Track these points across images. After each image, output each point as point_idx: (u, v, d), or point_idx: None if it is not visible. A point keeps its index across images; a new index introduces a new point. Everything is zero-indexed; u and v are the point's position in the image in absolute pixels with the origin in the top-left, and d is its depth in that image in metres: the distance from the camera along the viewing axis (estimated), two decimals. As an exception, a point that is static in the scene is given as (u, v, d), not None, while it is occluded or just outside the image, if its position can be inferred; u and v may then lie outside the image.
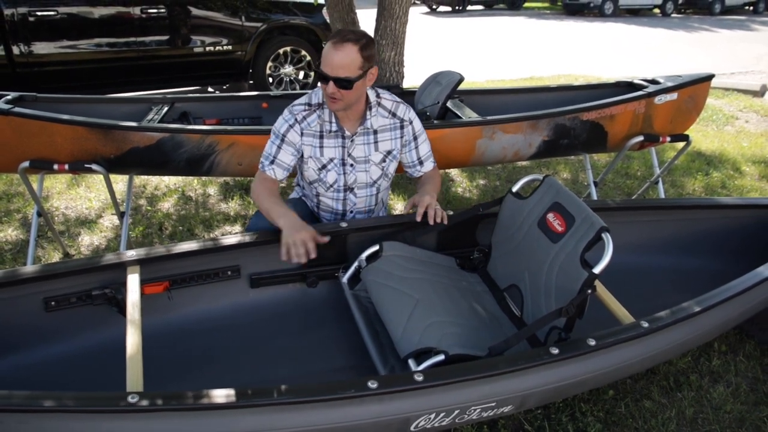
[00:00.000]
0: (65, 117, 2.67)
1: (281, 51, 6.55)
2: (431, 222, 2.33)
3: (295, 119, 2.34)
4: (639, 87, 3.50)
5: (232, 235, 2.27)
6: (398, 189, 4.21)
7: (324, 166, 2.38)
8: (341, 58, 2.13)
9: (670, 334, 2.07)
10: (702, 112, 6.48)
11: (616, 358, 2.00)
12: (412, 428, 1.82)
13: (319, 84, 2.25)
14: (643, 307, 2.52)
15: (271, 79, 6.62)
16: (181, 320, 2.27)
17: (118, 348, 2.08)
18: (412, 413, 1.76)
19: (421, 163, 2.53)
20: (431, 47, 11.08)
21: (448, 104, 3.33)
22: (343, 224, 2.37)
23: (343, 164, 2.40)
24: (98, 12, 5.51)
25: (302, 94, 3.59)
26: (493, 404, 1.87)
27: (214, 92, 7.25)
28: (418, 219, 2.34)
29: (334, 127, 2.34)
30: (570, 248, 2.07)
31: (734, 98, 7.32)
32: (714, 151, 5.32)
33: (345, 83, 2.15)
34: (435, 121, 3.07)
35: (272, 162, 2.36)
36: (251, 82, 6.63)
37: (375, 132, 2.40)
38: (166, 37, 5.90)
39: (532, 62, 9.97)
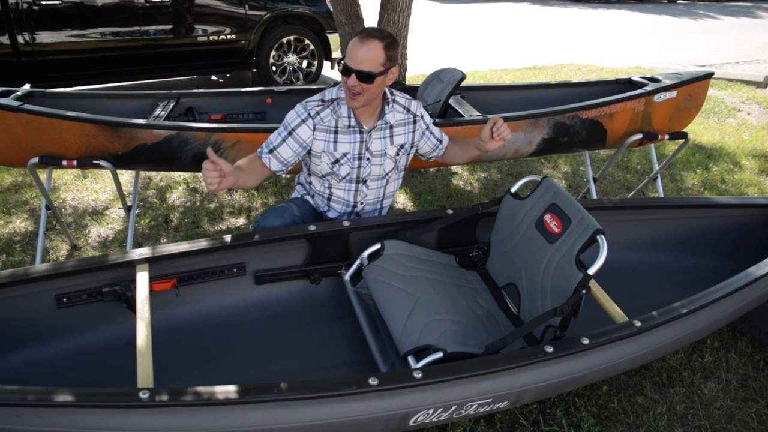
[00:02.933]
0: (73, 114, 2.72)
1: (285, 40, 6.57)
2: (497, 136, 2.44)
3: (308, 114, 2.39)
4: (639, 85, 3.54)
5: (237, 234, 2.33)
6: (403, 183, 4.25)
7: (337, 161, 2.45)
8: (365, 53, 2.22)
9: (663, 332, 2.13)
10: (704, 104, 6.51)
11: (609, 357, 2.07)
12: (411, 423, 1.89)
13: (340, 77, 2.31)
14: (639, 304, 2.59)
15: (274, 68, 6.64)
16: (189, 316, 2.34)
17: (128, 343, 2.15)
18: (411, 409, 1.84)
19: (440, 141, 2.68)
20: (434, 35, 11.06)
21: (450, 101, 3.37)
22: (346, 223, 2.43)
23: (360, 158, 2.46)
24: (102, 1, 5.53)
25: (306, 89, 3.67)
26: (490, 400, 1.94)
27: (218, 79, 7.28)
28: (488, 132, 2.45)
29: (353, 122, 2.41)
30: (566, 249, 2.13)
31: (737, 89, 7.32)
32: (715, 144, 5.35)
33: (366, 77, 2.23)
34: (437, 120, 3.11)
35: (270, 152, 2.40)
36: (254, 70, 6.65)
37: (391, 126, 2.49)
38: (169, 26, 5.92)
39: (535, 50, 9.95)
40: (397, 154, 2.54)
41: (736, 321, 2.75)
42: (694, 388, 2.48)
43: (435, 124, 3.00)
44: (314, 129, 2.40)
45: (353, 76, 2.22)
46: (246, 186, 2.34)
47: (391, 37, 2.27)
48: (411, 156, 2.64)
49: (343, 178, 2.49)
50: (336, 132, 2.42)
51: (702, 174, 4.65)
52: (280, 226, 2.44)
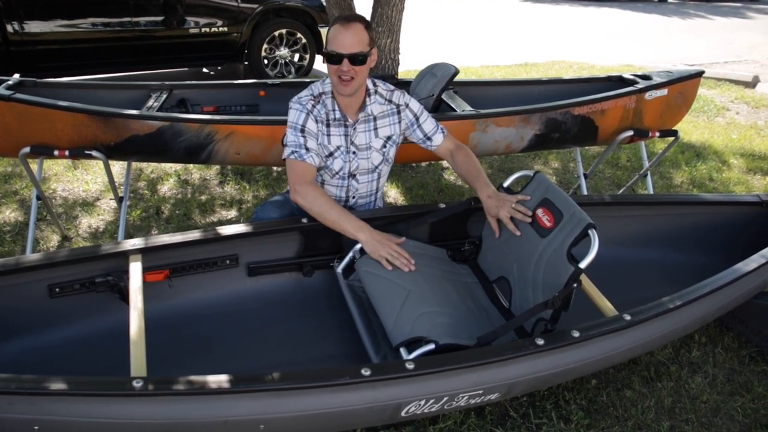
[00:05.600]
0: (66, 104, 2.71)
1: (277, 33, 6.55)
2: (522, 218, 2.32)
3: (307, 109, 2.38)
4: (630, 82, 3.56)
5: (230, 225, 2.33)
6: (394, 177, 4.27)
7: (331, 154, 2.45)
8: (353, 35, 2.22)
9: (652, 326, 2.16)
10: (694, 103, 6.57)
11: (599, 350, 2.09)
12: (403, 414, 1.91)
13: (326, 68, 2.30)
14: (628, 299, 2.61)
15: (266, 61, 6.63)
16: (181, 307, 2.34)
17: (121, 333, 2.15)
18: (403, 400, 1.85)
19: (429, 138, 2.60)
20: (426, 31, 11.06)
21: (443, 96, 3.38)
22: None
23: (347, 152, 2.46)
24: (92, -9, 5.50)
25: (300, 82, 3.67)
26: (481, 392, 1.96)
27: (209, 72, 7.25)
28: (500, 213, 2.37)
29: (338, 115, 2.41)
30: (557, 243, 2.15)
31: (726, 89, 7.38)
32: (703, 143, 5.40)
33: (360, 58, 2.23)
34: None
35: (308, 150, 2.34)
36: (246, 63, 6.63)
37: (375, 119, 2.48)
38: (161, 18, 5.88)
39: (526, 47, 9.98)
40: (384, 146, 2.53)
41: (723, 317, 2.78)
42: (682, 382, 2.51)
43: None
44: (316, 122, 2.40)
45: (345, 61, 2.22)
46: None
47: (365, 19, 2.30)
48: (398, 145, 2.63)
49: (336, 173, 2.49)
50: (328, 125, 2.42)
51: (690, 172, 4.69)
52: (279, 217, 2.44)
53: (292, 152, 2.33)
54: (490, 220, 2.43)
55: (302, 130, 2.35)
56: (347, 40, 2.22)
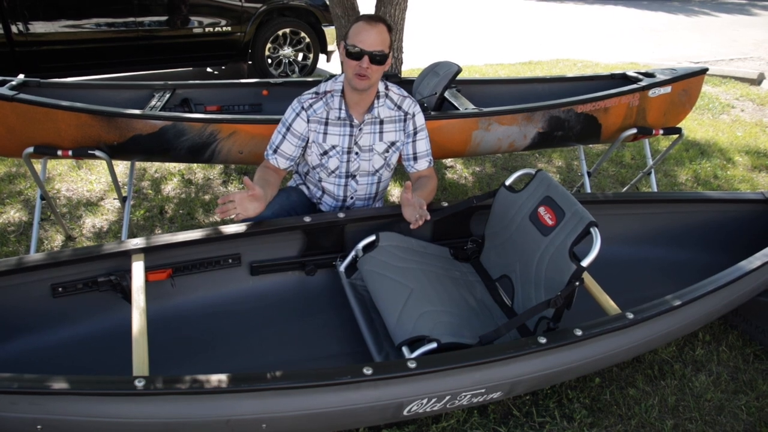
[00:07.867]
0: (69, 104, 2.71)
1: (280, 32, 6.55)
2: (412, 226, 2.29)
3: (302, 107, 2.42)
4: (633, 80, 3.55)
5: (233, 224, 2.34)
6: (396, 176, 4.27)
7: (326, 152, 2.46)
8: (377, 34, 2.24)
9: (655, 325, 2.15)
10: (698, 100, 6.54)
11: (602, 348, 2.09)
12: (405, 413, 1.91)
13: (343, 63, 2.31)
14: (631, 297, 2.61)
15: (270, 61, 6.63)
16: (184, 306, 2.35)
17: (123, 332, 2.16)
18: (405, 398, 1.85)
19: (415, 159, 2.60)
20: (429, 29, 11.04)
21: (445, 94, 3.38)
22: (341, 215, 2.44)
23: (348, 152, 2.47)
24: (96, -9, 5.50)
25: (302, 81, 3.67)
26: (483, 390, 1.96)
27: (213, 72, 7.25)
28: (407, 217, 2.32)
29: (343, 114, 2.42)
30: (560, 241, 2.14)
31: (731, 86, 7.34)
32: (708, 141, 5.37)
33: (381, 57, 2.25)
34: (432, 113, 3.12)
35: (275, 151, 2.47)
36: (250, 63, 6.63)
37: (381, 122, 2.49)
38: (165, 18, 5.89)
39: (530, 46, 9.95)
40: (387, 151, 2.54)
41: (727, 314, 2.77)
42: (686, 380, 2.50)
43: (430, 116, 3.01)
44: (308, 121, 2.42)
45: (366, 58, 2.23)
46: (271, 198, 2.37)
47: (388, 22, 2.32)
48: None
49: (333, 171, 2.50)
50: (326, 123, 2.43)
51: (695, 169, 4.67)
52: (275, 215, 2.45)
53: (265, 152, 2.51)
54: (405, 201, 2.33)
55: (287, 129, 2.43)
56: (371, 37, 2.23)
